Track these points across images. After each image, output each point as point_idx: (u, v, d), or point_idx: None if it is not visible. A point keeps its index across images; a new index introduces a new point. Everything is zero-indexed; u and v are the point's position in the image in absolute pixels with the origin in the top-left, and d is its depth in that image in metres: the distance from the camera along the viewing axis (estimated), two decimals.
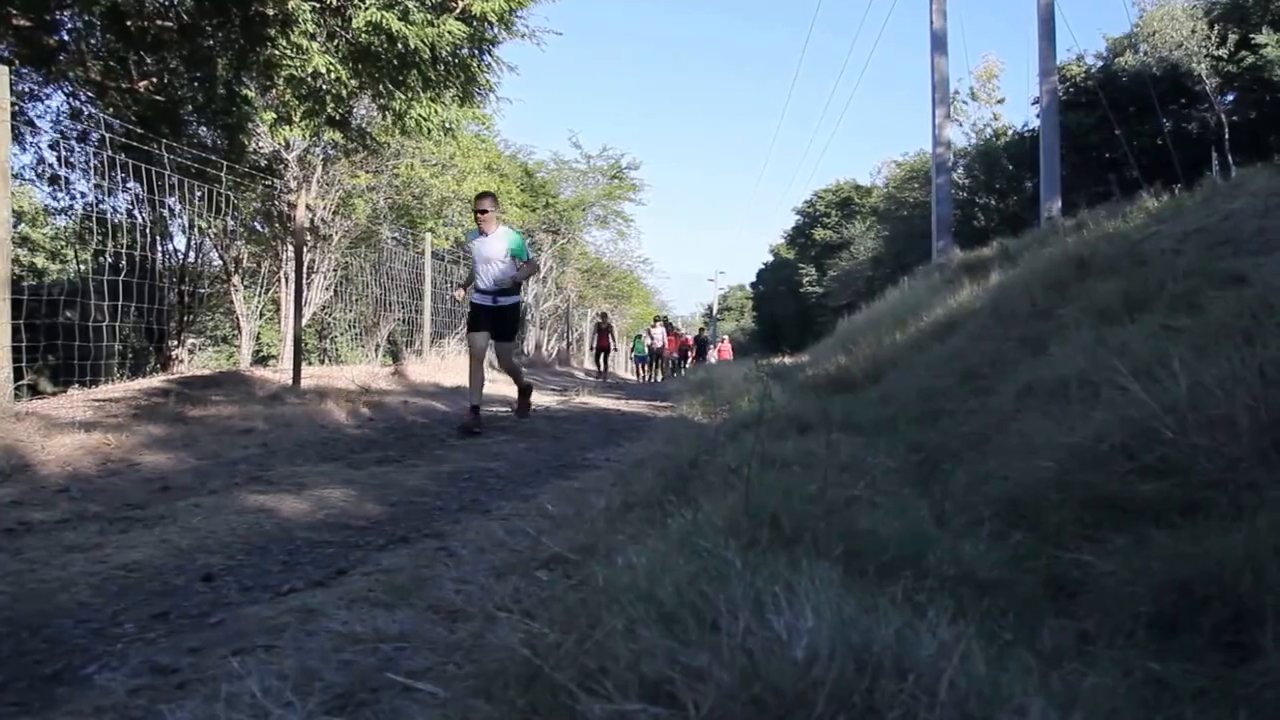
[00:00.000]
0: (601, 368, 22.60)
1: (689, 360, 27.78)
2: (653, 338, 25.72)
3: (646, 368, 26.97)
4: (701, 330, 29.82)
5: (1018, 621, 1.70)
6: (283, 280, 12.31)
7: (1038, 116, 19.37)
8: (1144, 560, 1.92)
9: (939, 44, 16.73)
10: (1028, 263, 7.71)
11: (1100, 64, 22.28)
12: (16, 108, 8.45)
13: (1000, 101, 31.73)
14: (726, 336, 36.96)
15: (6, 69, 5.72)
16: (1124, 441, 2.57)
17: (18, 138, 9.35)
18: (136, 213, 9.29)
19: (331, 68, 8.15)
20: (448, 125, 9.92)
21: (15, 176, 9.72)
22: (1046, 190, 14.54)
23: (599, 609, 1.64)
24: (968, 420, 4.37)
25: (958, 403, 4.81)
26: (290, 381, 8.52)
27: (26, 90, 9.41)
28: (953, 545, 2.09)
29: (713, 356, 29.76)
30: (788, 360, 13.99)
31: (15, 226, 9.38)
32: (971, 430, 4.10)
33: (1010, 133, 27.74)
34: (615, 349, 28.03)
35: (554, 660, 1.51)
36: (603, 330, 22.51)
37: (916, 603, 1.53)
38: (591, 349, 25.16)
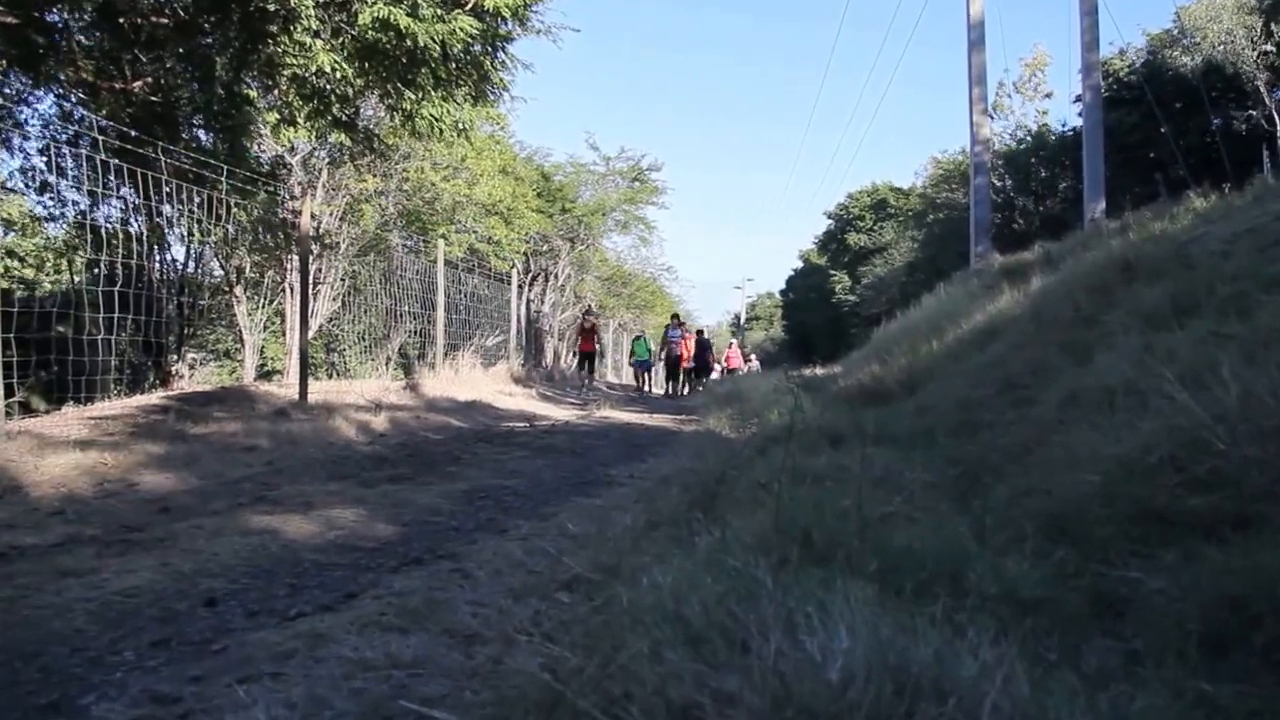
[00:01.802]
0: (584, 377, 19.18)
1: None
2: (670, 342, 21.12)
3: (647, 375, 22.57)
4: (700, 333, 23.29)
5: (1062, 641, 1.71)
6: (287, 291, 12.41)
7: (1079, 115, 19.29)
8: (1194, 577, 1.92)
9: (976, 36, 16.72)
10: (1070, 267, 7.67)
11: (1143, 59, 22.19)
12: (3, 111, 8.61)
13: (1048, 95, 31.57)
14: (735, 341, 33.43)
15: None
16: (1172, 453, 2.57)
17: (5, 143, 9.51)
18: (132, 220, 9.41)
19: (337, 66, 8.24)
20: (461, 125, 9.98)
21: (2, 187, 9.86)
22: (1090, 191, 14.46)
23: (623, 631, 1.66)
24: (1008, 432, 4.36)
25: (997, 414, 4.80)
26: (296, 397, 8.60)
27: (13, 92, 9.53)
28: (993, 562, 2.10)
29: (718, 369, 25.74)
30: (819, 371, 13.96)
31: (4, 236, 9.49)
32: (1012, 442, 4.09)
33: (1050, 131, 27.63)
34: (602, 355, 25.73)
35: (576, 685, 1.54)
36: (586, 331, 19.36)
37: (956, 622, 1.55)
38: (574, 354, 20.62)
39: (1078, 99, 19.93)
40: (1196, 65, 20.51)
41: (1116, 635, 1.84)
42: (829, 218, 50.87)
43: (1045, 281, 7.84)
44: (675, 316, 23.31)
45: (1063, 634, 1.75)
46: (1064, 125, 25.11)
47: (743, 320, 68.56)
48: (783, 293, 64.57)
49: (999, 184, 23.94)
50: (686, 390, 21.17)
